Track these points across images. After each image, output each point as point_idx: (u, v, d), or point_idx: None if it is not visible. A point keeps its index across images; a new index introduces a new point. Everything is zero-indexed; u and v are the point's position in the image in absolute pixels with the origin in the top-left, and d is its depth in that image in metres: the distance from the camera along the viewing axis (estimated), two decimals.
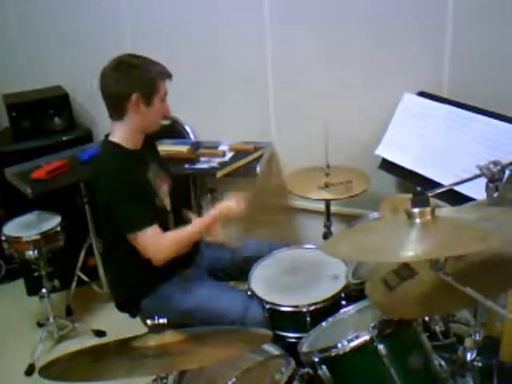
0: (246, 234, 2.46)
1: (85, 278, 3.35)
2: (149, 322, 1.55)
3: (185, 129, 3.31)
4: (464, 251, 1.43)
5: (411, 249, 1.38)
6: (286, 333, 2.07)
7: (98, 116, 3.59)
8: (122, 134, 2.17)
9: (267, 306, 2.10)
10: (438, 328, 1.81)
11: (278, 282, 2.24)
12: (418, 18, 2.55)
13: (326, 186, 2.54)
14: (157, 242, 2.08)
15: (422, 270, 1.62)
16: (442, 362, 1.78)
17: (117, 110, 2.14)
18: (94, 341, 2.96)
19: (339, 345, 1.68)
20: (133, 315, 2.32)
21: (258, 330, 1.87)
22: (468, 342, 1.72)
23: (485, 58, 2.47)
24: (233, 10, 2.96)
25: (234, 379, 1.61)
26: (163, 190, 2.27)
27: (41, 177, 2.86)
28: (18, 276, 3.54)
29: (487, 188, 1.67)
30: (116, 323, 2.65)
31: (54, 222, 2.94)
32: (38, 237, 2.82)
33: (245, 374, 1.64)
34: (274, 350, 1.84)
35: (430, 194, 1.62)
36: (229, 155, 3.04)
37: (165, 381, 1.66)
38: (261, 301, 2.13)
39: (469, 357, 1.72)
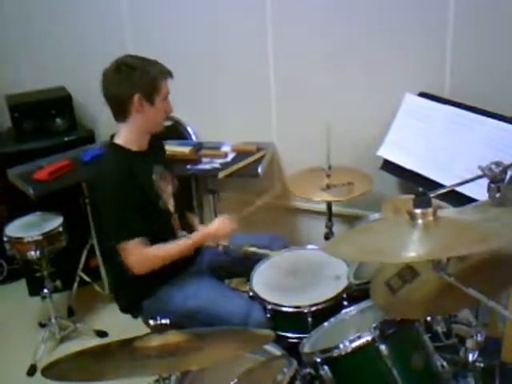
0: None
1: (87, 278, 3.35)
2: (151, 322, 1.55)
3: (187, 130, 3.31)
4: (466, 252, 1.43)
5: (413, 249, 1.38)
6: (288, 333, 2.07)
7: (100, 117, 3.59)
8: (126, 135, 2.18)
9: (269, 307, 2.10)
10: (440, 329, 1.81)
11: (279, 282, 2.24)
12: (419, 18, 2.56)
13: (328, 187, 2.54)
14: (138, 254, 2.11)
15: (424, 270, 1.62)
16: (444, 363, 1.78)
17: (120, 112, 2.15)
18: (96, 341, 2.96)
19: (341, 345, 1.69)
20: (135, 316, 2.32)
21: (260, 330, 1.87)
22: (470, 343, 1.72)
23: (486, 58, 2.47)
24: (235, 11, 2.97)
25: (236, 379, 1.61)
26: (167, 192, 2.28)
27: (43, 177, 2.87)
28: (19, 276, 3.55)
29: (489, 189, 1.67)
30: (118, 324, 2.65)
31: (56, 222, 2.94)
32: (40, 237, 2.82)
33: (247, 375, 1.64)
34: (275, 350, 1.84)
35: (431, 195, 1.63)
36: (231, 156, 3.04)
37: (167, 381, 1.67)
38: (263, 301, 2.13)
39: (471, 358, 1.72)
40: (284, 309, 2.09)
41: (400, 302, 1.67)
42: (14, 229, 2.92)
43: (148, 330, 1.61)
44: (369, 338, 1.67)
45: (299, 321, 2.06)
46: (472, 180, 1.77)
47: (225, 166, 2.93)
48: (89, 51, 3.43)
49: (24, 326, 3.22)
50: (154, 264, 2.14)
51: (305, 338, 1.92)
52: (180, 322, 1.58)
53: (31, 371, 2.83)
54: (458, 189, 2.06)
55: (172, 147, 2.99)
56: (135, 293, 2.26)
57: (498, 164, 1.65)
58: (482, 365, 1.74)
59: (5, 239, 2.87)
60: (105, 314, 3.24)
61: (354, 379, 1.74)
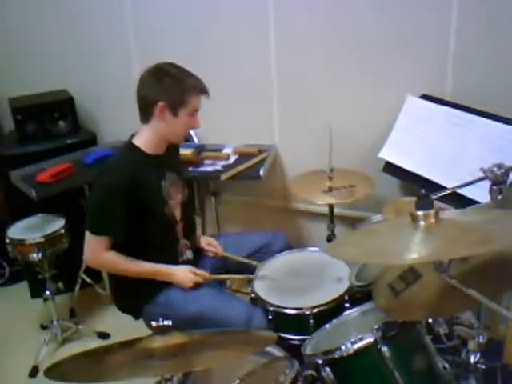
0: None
1: (88, 280, 3.35)
2: (153, 323, 1.55)
3: (189, 132, 3.31)
4: (468, 253, 1.43)
5: (415, 251, 1.38)
6: (290, 335, 2.07)
7: (103, 120, 3.61)
8: (145, 137, 2.18)
9: (271, 309, 2.10)
10: (442, 331, 1.81)
11: (281, 284, 2.24)
12: (421, 20, 2.56)
13: (330, 189, 2.54)
14: (95, 252, 2.19)
15: (426, 272, 1.62)
16: (446, 365, 1.78)
17: (144, 114, 2.16)
18: (98, 343, 2.96)
19: (343, 347, 1.69)
20: (136, 318, 2.33)
21: (263, 332, 1.87)
22: (471, 345, 1.73)
23: (488, 60, 2.47)
24: (236, 12, 2.97)
25: (237, 381, 1.62)
26: (176, 199, 2.28)
27: (45, 180, 2.87)
28: (21, 278, 3.55)
29: (491, 191, 1.67)
30: (120, 325, 2.65)
31: (58, 224, 2.95)
32: (42, 239, 2.83)
33: (249, 376, 1.64)
34: (277, 352, 1.84)
35: (433, 197, 1.63)
36: (233, 158, 3.05)
37: (169, 382, 1.67)
38: (264, 303, 2.13)
39: (472, 359, 1.73)
40: (286, 310, 2.09)
41: (402, 304, 1.67)
42: (16, 231, 2.93)
43: (150, 332, 1.61)
44: (371, 340, 1.67)
45: (301, 322, 2.06)
46: (474, 182, 1.77)
47: (227, 168, 2.93)
48: (91, 54, 3.45)
49: (26, 328, 3.22)
50: (105, 268, 2.28)
51: (306, 339, 1.92)
52: (181, 328, 1.58)
53: (33, 373, 2.83)
54: (460, 191, 2.06)
55: None
56: (135, 296, 2.27)
57: (499, 166, 1.65)
58: (483, 366, 1.75)
59: (7, 241, 2.87)
60: (106, 315, 3.25)
61: (355, 381, 1.74)
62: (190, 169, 2.95)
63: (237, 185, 3.24)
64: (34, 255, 2.83)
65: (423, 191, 1.56)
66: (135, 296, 2.26)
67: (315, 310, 2.05)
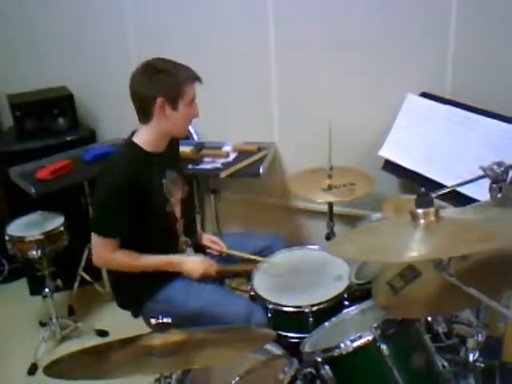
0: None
1: (87, 277, 3.36)
2: (153, 321, 1.55)
3: (188, 129, 3.31)
4: (468, 251, 1.43)
5: (415, 249, 1.38)
6: (289, 333, 2.07)
7: (102, 116, 3.60)
8: (145, 136, 2.17)
9: (270, 307, 2.10)
10: (441, 329, 1.81)
11: (280, 282, 2.24)
12: (421, 18, 2.56)
13: (330, 187, 2.54)
14: (102, 253, 2.17)
15: (426, 270, 1.62)
16: (445, 363, 1.79)
17: (143, 114, 2.15)
18: (97, 340, 2.96)
19: (342, 345, 1.69)
20: (134, 314, 2.33)
21: (262, 329, 1.87)
22: (470, 343, 1.73)
23: (488, 59, 2.47)
24: (237, 10, 2.97)
25: (237, 378, 1.62)
26: (176, 197, 2.28)
27: (45, 177, 2.87)
28: (21, 275, 3.56)
29: (491, 189, 1.67)
30: (118, 323, 2.65)
31: (57, 221, 2.94)
32: (42, 237, 2.83)
33: (248, 374, 1.64)
34: (276, 349, 1.84)
35: (433, 195, 1.63)
36: (232, 156, 3.05)
37: (168, 380, 1.67)
38: (264, 301, 2.13)
39: (471, 358, 1.73)
40: (285, 308, 2.09)
41: (401, 302, 1.67)
42: (15, 228, 2.93)
43: (149, 330, 1.61)
44: (370, 338, 1.67)
45: (300, 320, 2.06)
46: (474, 180, 1.77)
47: (226, 165, 2.93)
48: (91, 51, 3.44)
49: (25, 325, 3.22)
50: (116, 268, 2.23)
51: (306, 337, 1.92)
52: (181, 324, 1.58)
53: (32, 370, 2.83)
54: (460, 189, 2.06)
55: None
56: (135, 292, 2.26)
57: (499, 164, 1.65)
58: (482, 365, 1.75)
59: (6, 238, 2.87)
60: (105, 313, 3.25)
61: (354, 379, 1.74)
62: (190, 166, 2.95)
63: (236, 182, 3.24)
64: (34, 252, 2.83)
65: (423, 189, 1.55)
66: (135, 292, 2.26)
67: (314, 308, 2.05)
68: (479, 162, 1.70)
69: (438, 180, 2.34)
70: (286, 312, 2.09)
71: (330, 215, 2.77)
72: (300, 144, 3.06)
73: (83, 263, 3.28)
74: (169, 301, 2.20)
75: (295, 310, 2.07)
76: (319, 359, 1.72)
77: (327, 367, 1.71)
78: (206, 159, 3.03)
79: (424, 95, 2.60)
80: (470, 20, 2.46)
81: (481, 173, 1.69)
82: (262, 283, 2.23)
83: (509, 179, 1.65)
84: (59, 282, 3.09)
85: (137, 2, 3.24)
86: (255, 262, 2.35)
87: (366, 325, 1.71)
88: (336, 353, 1.69)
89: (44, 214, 3.04)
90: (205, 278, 2.25)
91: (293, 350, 1.86)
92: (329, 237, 2.78)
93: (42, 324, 3.15)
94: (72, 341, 3.05)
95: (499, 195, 1.65)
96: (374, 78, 2.76)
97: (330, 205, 2.74)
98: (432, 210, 1.46)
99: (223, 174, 2.85)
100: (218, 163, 2.98)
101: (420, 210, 1.47)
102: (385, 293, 1.70)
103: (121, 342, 1.56)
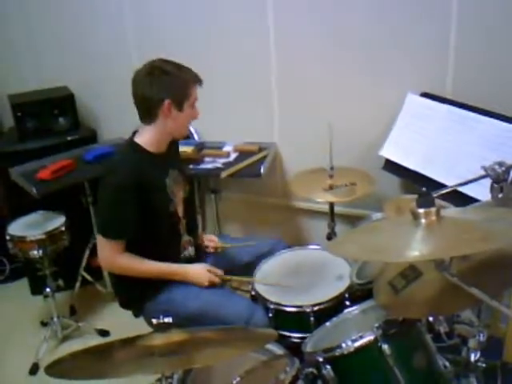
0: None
1: (89, 277, 3.36)
2: (154, 321, 1.55)
3: (189, 129, 3.31)
4: (469, 251, 1.43)
5: (416, 249, 1.38)
6: (290, 333, 2.07)
7: (103, 116, 3.61)
8: (148, 136, 2.17)
9: (271, 306, 2.10)
10: (442, 329, 1.81)
11: (282, 282, 2.24)
12: (422, 18, 2.56)
13: (331, 187, 2.53)
14: (109, 256, 2.17)
15: (427, 270, 1.62)
16: (446, 363, 1.78)
17: (147, 115, 2.15)
18: (98, 340, 2.96)
19: (343, 345, 1.69)
20: (135, 314, 2.33)
21: (263, 329, 1.87)
22: (472, 343, 1.73)
23: (489, 58, 2.47)
24: (237, 11, 2.97)
25: (238, 379, 1.62)
26: (179, 197, 2.28)
27: (46, 177, 2.87)
28: (22, 275, 3.56)
29: (492, 189, 1.67)
30: (120, 323, 2.65)
31: (58, 221, 2.95)
32: (43, 236, 2.83)
33: (249, 374, 1.64)
34: (278, 349, 1.84)
35: (434, 195, 1.63)
36: (233, 156, 3.05)
37: (170, 380, 1.67)
38: (265, 301, 2.13)
39: (472, 357, 1.73)
40: (286, 308, 2.08)
41: (402, 302, 1.67)
42: (16, 228, 2.93)
43: (150, 330, 1.61)
44: (371, 338, 1.67)
45: (301, 320, 2.06)
46: (475, 180, 1.77)
47: (227, 165, 2.93)
48: (91, 51, 3.45)
49: (26, 325, 3.23)
50: (122, 271, 2.21)
51: (307, 337, 1.92)
52: (182, 325, 1.58)
53: (33, 370, 2.84)
54: (461, 189, 2.06)
55: None
56: (136, 293, 2.26)
57: (500, 164, 1.65)
58: (483, 365, 1.75)
59: (7, 238, 2.87)
60: (107, 313, 3.25)
61: (356, 378, 1.74)
62: (191, 166, 2.95)
63: (237, 182, 3.25)
64: (35, 252, 2.83)
65: (424, 189, 1.55)
66: (136, 293, 2.26)
67: (316, 308, 2.04)
68: (480, 162, 1.70)
69: (439, 180, 2.34)
70: (287, 312, 2.08)
71: (331, 215, 2.77)
72: (301, 144, 3.06)
73: (84, 263, 3.29)
74: (170, 301, 2.20)
75: (296, 309, 2.07)
76: (320, 359, 1.72)
77: (329, 367, 1.71)
78: (207, 159, 3.03)
79: (424, 95, 2.60)
80: (471, 20, 2.46)
81: (482, 172, 1.69)
82: (263, 283, 2.23)
83: (510, 179, 1.65)
84: (60, 282, 3.09)
85: (137, 1, 3.24)
86: (252, 266, 2.34)
87: (368, 325, 1.71)
88: (337, 353, 1.69)
89: (45, 213, 3.04)
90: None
91: (294, 349, 1.85)
92: (330, 237, 2.78)
93: (44, 324, 3.15)
94: (73, 340, 3.05)
95: (500, 195, 1.65)
96: (374, 77, 2.76)
97: (331, 205, 2.74)
98: (433, 209, 1.46)
99: (224, 174, 2.85)
100: (219, 163, 2.98)
101: (421, 210, 1.46)
102: (386, 293, 1.70)
103: (122, 341, 1.56)
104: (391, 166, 2.60)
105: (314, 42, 2.84)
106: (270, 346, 1.84)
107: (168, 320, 1.54)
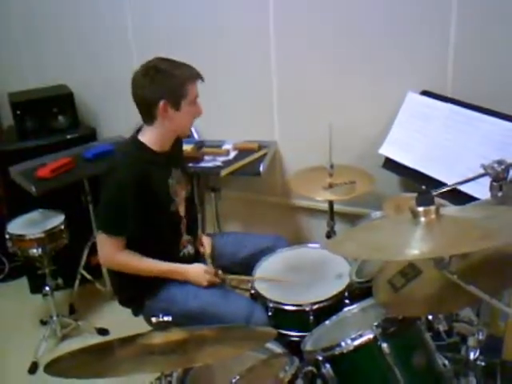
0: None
1: (88, 276, 3.36)
2: (153, 319, 1.55)
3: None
4: (469, 249, 1.43)
5: (416, 247, 1.38)
6: (290, 331, 2.07)
7: (102, 115, 3.60)
8: (151, 136, 2.17)
9: (271, 305, 2.10)
10: (442, 327, 1.81)
11: (281, 278, 2.24)
12: (421, 17, 2.55)
13: (330, 186, 2.53)
14: (109, 253, 2.17)
15: (427, 268, 1.62)
16: (446, 361, 1.78)
17: (146, 116, 2.14)
18: (97, 339, 2.96)
19: (343, 343, 1.69)
20: (135, 313, 2.33)
21: (262, 328, 1.87)
22: (471, 342, 1.72)
23: (489, 57, 2.46)
24: (237, 10, 2.96)
25: (237, 377, 1.62)
26: (181, 196, 2.28)
27: (45, 175, 2.87)
28: (21, 274, 3.56)
29: (491, 187, 1.67)
30: (119, 321, 2.65)
31: (57, 220, 2.95)
32: (42, 235, 2.83)
33: (249, 372, 1.64)
34: (277, 348, 1.84)
35: (433, 193, 1.62)
36: (233, 154, 3.05)
37: (169, 378, 1.67)
38: (264, 299, 2.13)
39: (472, 356, 1.72)
40: (286, 307, 2.08)
41: (402, 300, 1.67)
42: (15, 226, 2.93)
43: (149, 329, 1.61)
44: (370, 336, 1.67)
45: (301, 319, 2.06)
46: (474, 178, 1.77)
47: (227, 164, 2.93)
48: (91, 49, 3.45)
49: (25, 324, 3.23)
50: (121, 268, 2.20)
51: (306, 336, 1.92)
52: (181, 323, 1.58)
53: (33, 369, 2.84)
54: (460, 187, 2.06)
55: None
56: (135, 291, 2.27)
57: (500, 162, 1.65)
58: (483, 363, 1.74)
59: (7, 236, 2.87)
60: (106, 311, 3.25)
61: (355, 377, 1.74)
62: (190, 164, 2.94)
63: (237, 181, 3.24)
64: (34, 251, 2.84)
65: (424, 187, 1.55)
66: (136, 291, 2.26)
67: (315, 307, 2.04)
68: (480, 161, 1.70)
69: (439, 178, 2.34)
70: (286, 310, 2.09)
71: (331, 213, 2.76)
72: (300, 142, 3.06)
73: (84, 261, 3.29)
74: (169, 300, 2.20)
75: (296, 308, 2.07)
76: (320, 358, 1.72)
77: (328, 366, 1.71)
78: (207, 157, 3.03)
79: (425, 93, 2.59)
80: (471, 18, 2.45)
81: (481, 171, 1.69)
82: (262, 282, 2.23)
83: (509, 177, 1.65)
84: (60, 281, 3.10)
85: (137, 0, 3.23)
86: (249, 265, 2.34)
87: (367, 323, 1.71)
88: (337, 351, 1.69)
89: (44, 212, 3.04)
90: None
91: (293, 348, 1.86)
92: (329, 235, 2.78)
93: (43, 322, 3.15)
94: (73, 339, 3.06)
95: (500, 193, 1.65)
96: (374, 76, 2.75)
97: (331, 203, 2.74)
98: (433, 208, 1.46)
99: (224, 173, 2.85)
100: (219, 161, 2.97)
101: (421, 208, 1.46)
102: (385, 291, 1.70)
103: (121, 340, 1.56)
104: (391, 165, 2.60)
105: (315, 41, 2.83)
106: (269, 345, 1.84)
107: (167, 318, 1.54)
